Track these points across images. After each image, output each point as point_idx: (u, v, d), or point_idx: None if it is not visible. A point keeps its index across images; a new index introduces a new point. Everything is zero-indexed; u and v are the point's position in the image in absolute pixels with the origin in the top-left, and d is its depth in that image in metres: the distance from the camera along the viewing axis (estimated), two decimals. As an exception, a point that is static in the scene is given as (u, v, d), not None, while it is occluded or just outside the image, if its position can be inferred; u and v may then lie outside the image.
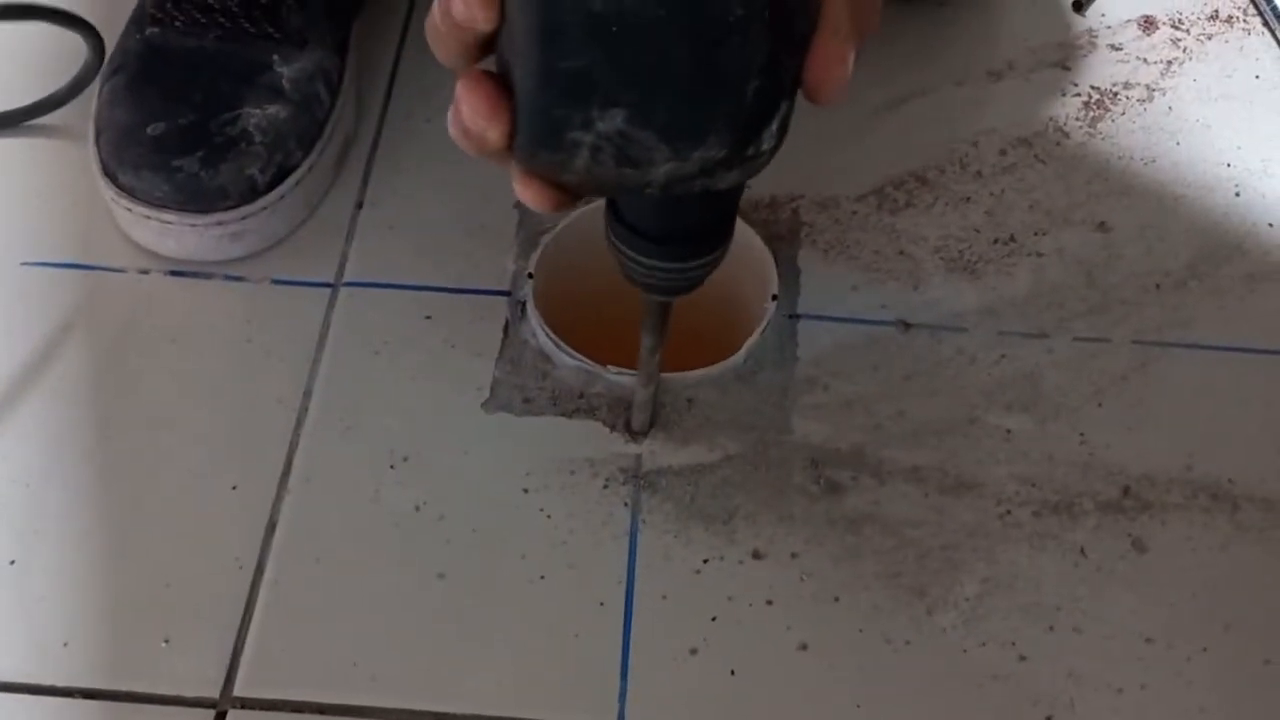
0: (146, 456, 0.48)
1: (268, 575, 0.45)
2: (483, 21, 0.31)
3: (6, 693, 0.42)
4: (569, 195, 0.35)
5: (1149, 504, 0.47)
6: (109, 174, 0.52)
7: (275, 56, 0.54)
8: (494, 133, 0.32)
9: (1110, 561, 0.46)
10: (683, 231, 0.37)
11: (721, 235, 0.38)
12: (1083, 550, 0.46)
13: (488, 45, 0.33)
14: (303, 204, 0.55)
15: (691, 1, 0.29)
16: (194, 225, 0.52)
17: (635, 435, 0.49)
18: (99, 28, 0.54)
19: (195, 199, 0.51)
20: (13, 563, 0.45)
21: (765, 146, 0.33)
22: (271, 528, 0.46)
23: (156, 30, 0.53)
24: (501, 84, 0.32)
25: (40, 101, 0.56)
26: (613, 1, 0.28)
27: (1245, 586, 0.46)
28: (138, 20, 0.55)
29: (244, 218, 0.52)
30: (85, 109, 0.55)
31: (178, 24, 0.53)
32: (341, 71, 0.57)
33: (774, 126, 0.32)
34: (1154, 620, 0.45)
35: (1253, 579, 0.46)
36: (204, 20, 0.53)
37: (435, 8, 0.32)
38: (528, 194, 0.35)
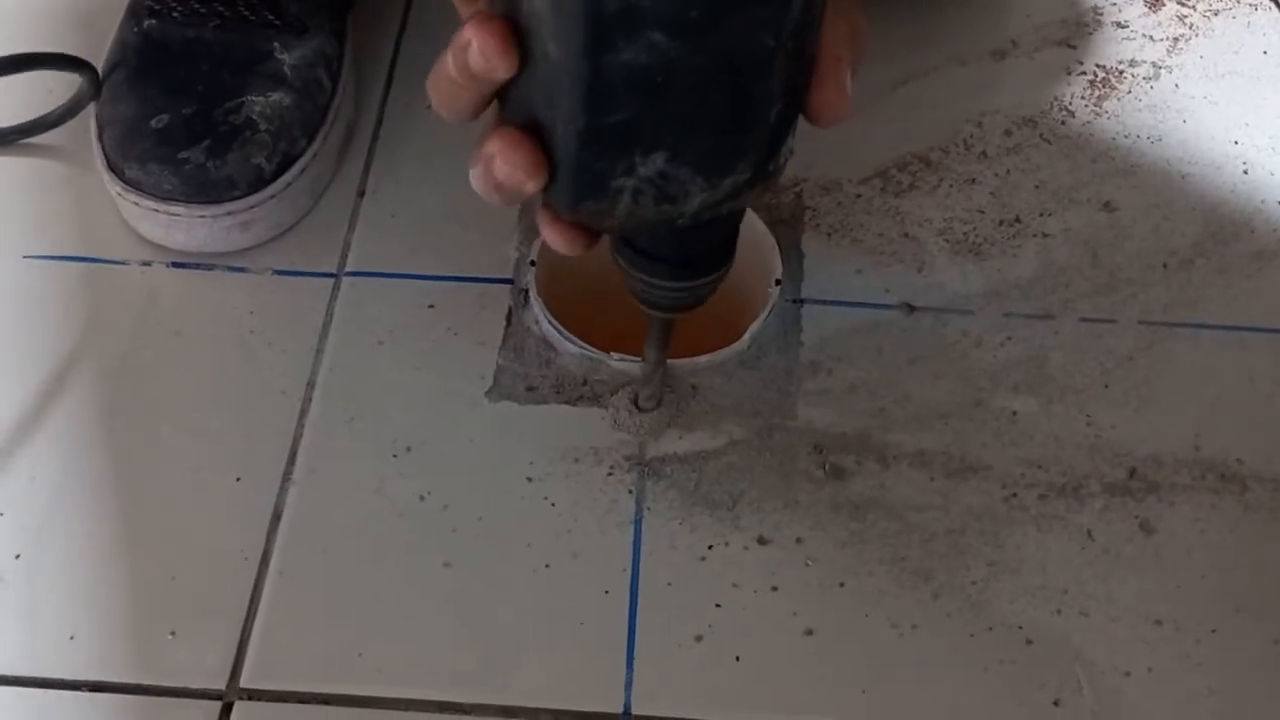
0: (150, 449, 0.48)
1: (273, 567, 0.45)
2: (503, 70, 0.31)
3: (13, 686, 0.43)
4: (594, 238, 0.36)
5: (1156, 485, 0.47)
6: (114, 169, 0.52)
7: (276, 44, 0.54)
8: (532, 189, 0.33)
9: (1117, 544, 0.46)
10: (694, 252, 0.38)
11: (729, 252, 0.39)
12: (1090, 533, 0.46)
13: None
14: (309, 192, 0.55)
15: (731, 43, 0.29)
16: (203, 217, 0.52)
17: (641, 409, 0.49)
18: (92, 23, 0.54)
19: (204, 190, 0.51)
20: (18, 556, 0.45)
21: (784, 160, 0.34)
22: (276, 519, 0.46)
23: (154, 22, 0.53)
24: (533, 138, 0.32)
25: (34, 121, 0.55)
26: (658, 54, 0.29)
27: (1254, 567, 0.45)
28: (134, 12, 0.54)
29: (253, 207, 0.52)
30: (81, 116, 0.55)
31: (175, 15, 0.53)
32: (342, 58, 0.57)
33: (790, 140, 0.34)
34: (1162, 602, 0.45)
35: (1262, 559, 0.46)
36: (203, 10, 0.53)
37: (446, 61, 0.32)
38: (560, 240, 0.35)
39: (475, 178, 0.33)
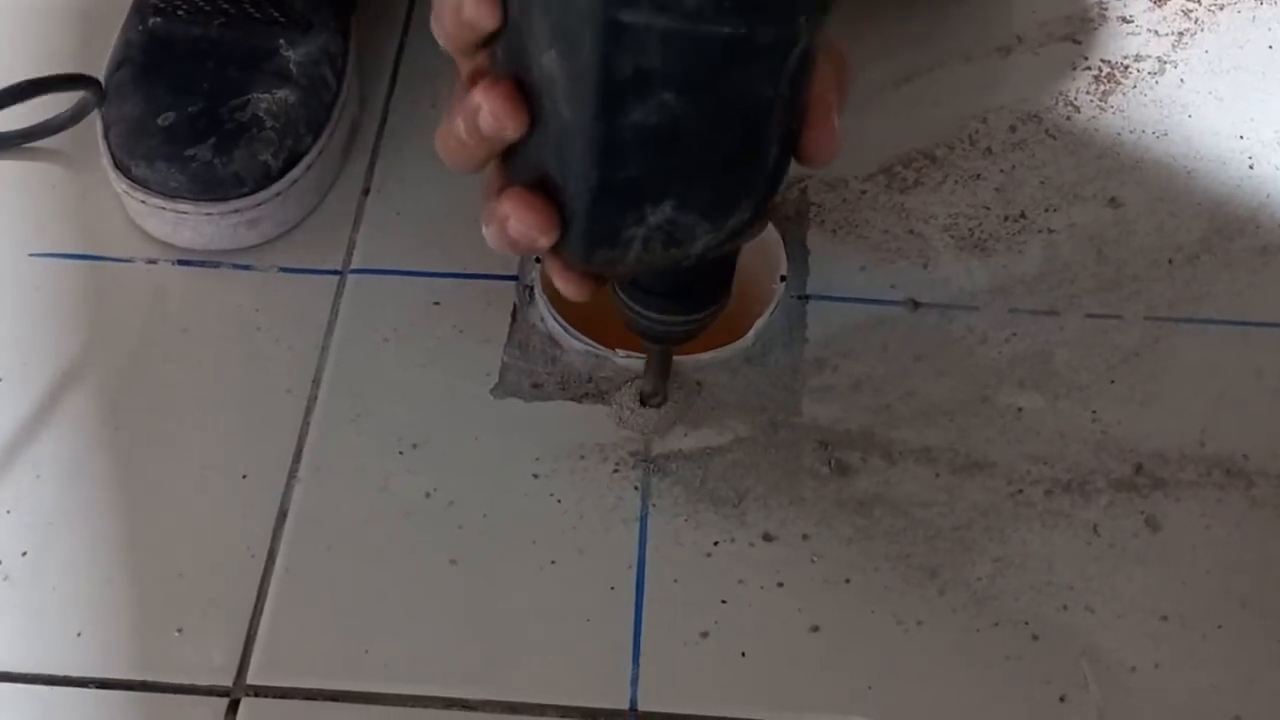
0: (157, 447, 0.48)
1: (279, 564, 0.45)
2: (513, 131, 0.32)
3: (21, 683, 0.43)
4: (602, 283, 0.38)
5: (1162, 481, 0.47)
6: (121, 167, 0.52)
7: (281, 41, 0.54)
8: (546, 241, 0.34)
9: (1123, 539, 0.46)
10: (694, 288, 0.40)
11: (727, 287, 0.40)
12: (1095, 529, 0.46)
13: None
14: (315, 189, 0.55)
15: (734, 96, 0.31)
16: (210, 214, 0.52)
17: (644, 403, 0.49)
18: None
19: (211, 187, 0.51)
20: (25, 554, 0.46)
21: (779, 197, 0.37)
22: (282, 516, 0.46)
23: (159, 20, 0.53)
24: (545, 195, 0.34)
25: (39, 126, 0.55)
26: (667, 112, 0.30)
27: (1261, 562, 0.45)
28: (139, 10, 0.54)
29: (259, 204, 0.52)
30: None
31: (181, 13, 0.53)
32: (346, 54, 0.57)
33: (785, 177, 0.35)
34: (1168, 598, 0.45)
35: (1268, 555, 0.46)
36: (207, 8, 0.53)
37: (455, 121, 0.33)
38: (572, 288, 0.37)
39: (490, 236, 0.35)
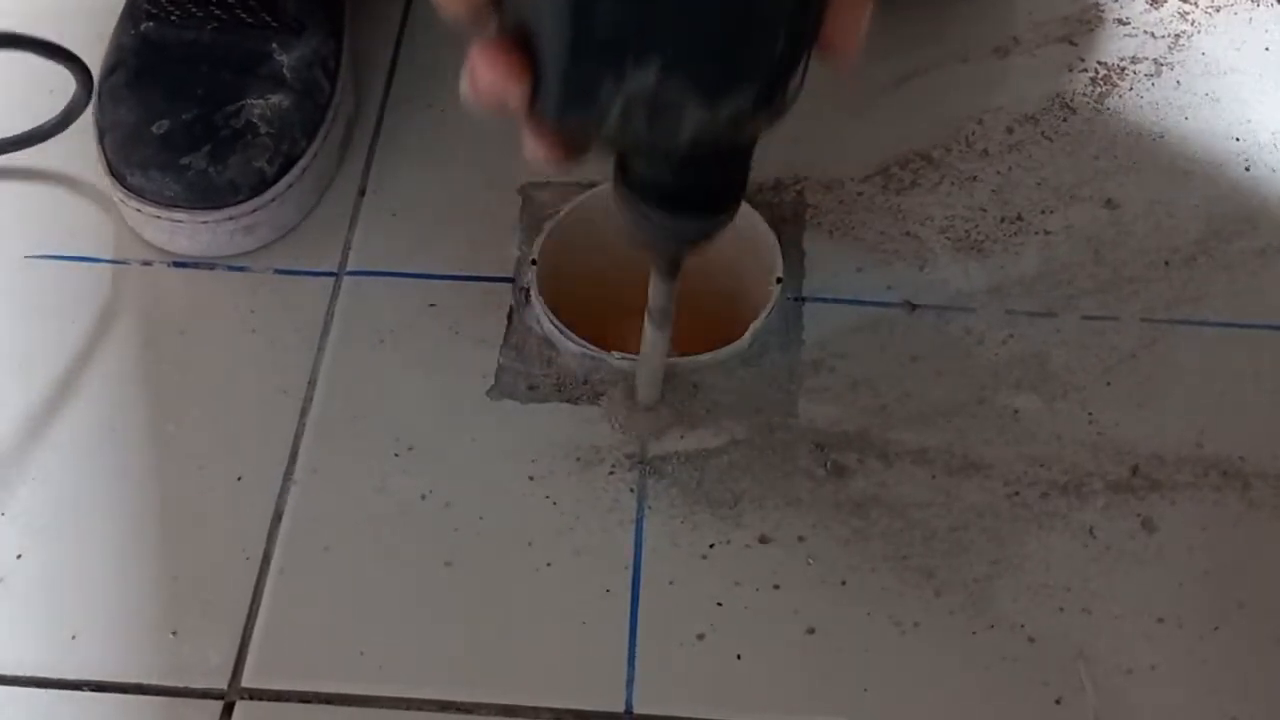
0: (152, 448, 0.48)
1: (274, 566, 0.45)
2: None
3: (16, 686, 0.43)
4: (578, 153, 0.34)
5: (1159, 483, 0.47)
6: (117, 175, 0.52)
7: (274, 45, 0.54)
8: (515, 96, 0.31)
9: (1120, 541, 0.46)
10: (697, 190, 0.36)
11: (734, 194, 0.37)
12: (1092, 530, 0.46)
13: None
14: (312, 191, 0.55)
15: None
16: (206, 222, 0.52)
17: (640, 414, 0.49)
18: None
19: (206, 196, 0.51)
20: (19, 556, 0.45)
21: (790, 95, 0.32)
22: (278, 518, 0.46)
23: (152, 25, 0.53)
24: (519, 44, 0.31)
25: (30, 132, 0.54)
26: None
27: (1258, 564, 0.45)
28: (131, 14, 0.54)
29: (255, 210, 0.52)
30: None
31: (174, 17, 0.53)
32: (339, 56, 0.56)
33: (799, 75, 0.31)
34: (1164, 600, 0.44)
35: (1266, 556, 0.45)
36: (200, 13, 0.53)
37: None
38: (540, 151, 0.33)
39: (462, 88, 0.32)
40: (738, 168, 0.36)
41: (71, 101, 0.53)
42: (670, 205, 0.36)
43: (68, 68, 0.51)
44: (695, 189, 0.36)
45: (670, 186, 0.36)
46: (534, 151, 0.34)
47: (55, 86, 0.53)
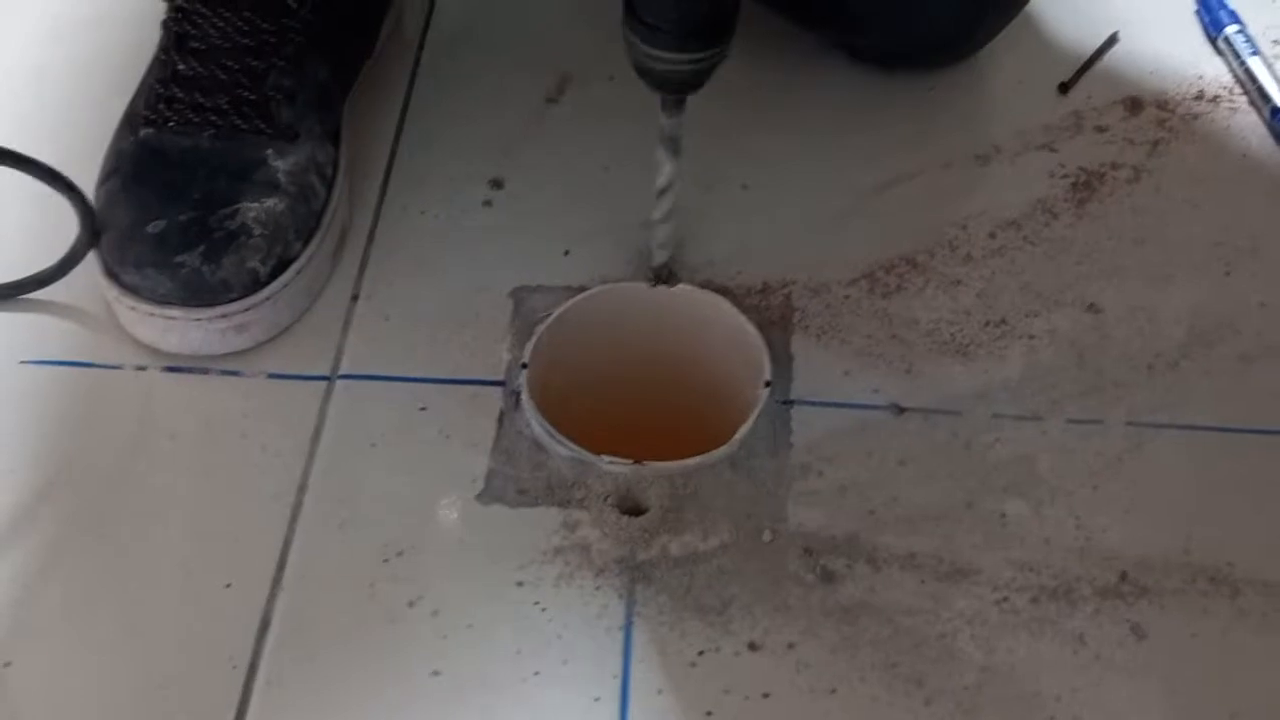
0: (141, 555, 0.48)
1: (261, 675, 0.45)
2: None
3: (-4, 800, 0.42)
4: None
5: (1147, 589, 0.47)
6: (111, 274, 0.53)
7: (269, 151, 0.55)
8: None
9: (1109, 649, 0.46)
10: (693, 19, 0.43)
11: (727, 27, 0.44)
12: (1081, 637, 0.46)
13: None
14: (304, 294, 0.55)
15: None
16: (198, 320, 0.52)
17: (658, 279, 0.54)
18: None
19: (199, 293, 0.52)
20: (8, 664, 0.45)
21: None
22: (265, 626, 0.46)
23: (151, 131, 0.54)
24: None
25: (27, 279, 0.54)
26: None
27: (1248, 673, 0.45)
28: (130, 122, 0.55)
29: (247, 309, 0.53)
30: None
31: (171, 124, 0.54)
32: (336, 161, 0.58)
33: None
34: (1155, 710, 0.44)
35: (1256, 665, 0.45)
36: (197, 119, 0.54)
37: None
38: None
39: None
40: (722, 6, 0.43)
41: (72, 247, 0.53)
42: (664, 41, 0.43)
43: (71, 201, 0.52)
44: (690, 21, 0.43)
45: (669, 22, 0.43)
46: None
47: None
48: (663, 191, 0.51)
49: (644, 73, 0.45)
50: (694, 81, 0.45)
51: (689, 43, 0.44)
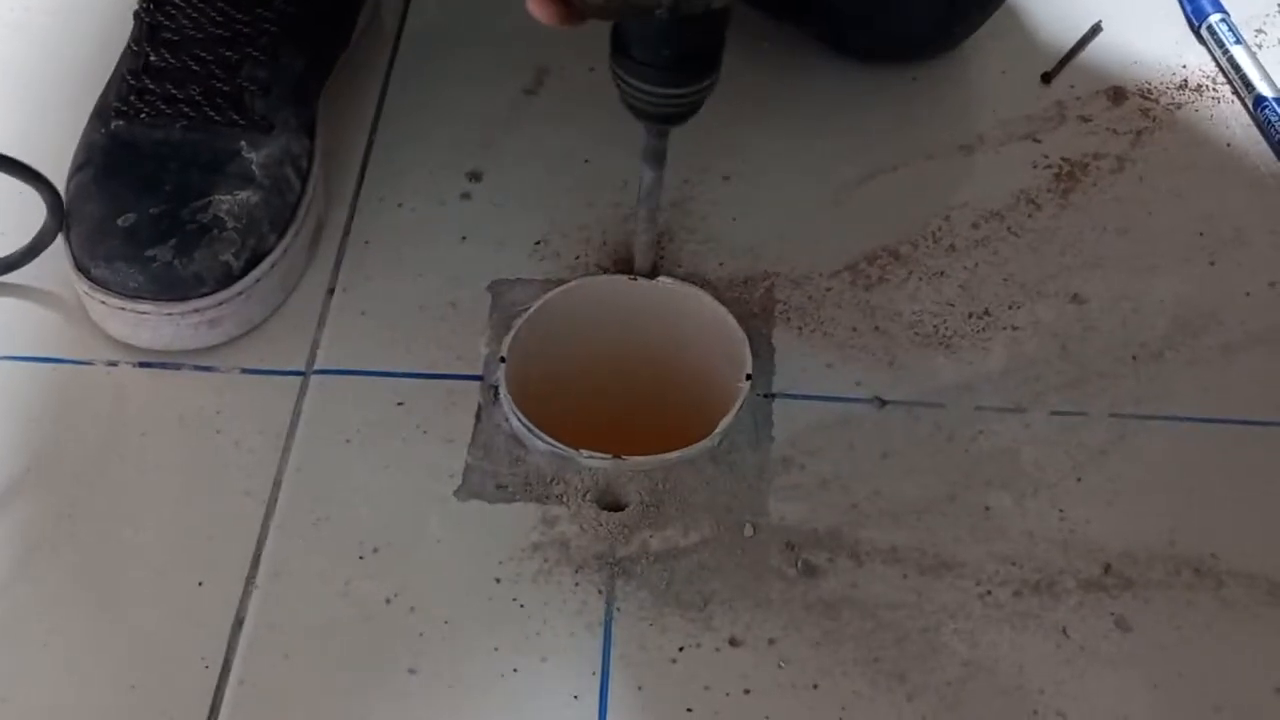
0: (112, 553, 0.47)
1: (234, 675, 0.44)
2: None
3: (-37, 804, 0.41)
4: (577, 18, 0.41)
5: (1131, 581, 0.47)
6: (81, 268, 0.52)
7: (243, 142, 0.54)
8: None
9: (1093, 641, 0.45)
10: (680, 56, 0.43)
11: (715, 61, 0.44)
12: (1065, 630, 0.45)
13: None
14: (279, 288, 0.54)
15: None
16: (170, 314, 0.51)
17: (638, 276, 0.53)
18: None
19: (170, 288, 0.51)
20: (-26, 666, 0.44)
21: None
22: (238, 624, 0.45)
23: (122, 123, 0.53)
24: None
25: None
26: None
27: (1232, 665, 0.45)
28: (101, 114, 0.55)
29: (220, 304, 0.52)
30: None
31: (143, 116, 0.53)
32: (311, 154, 0.57)
33: None
34: (1139, 702, 0.44)
35: (1240, 657, 0.45)
36: (169, 111, 0.53)
37: None
38: (542, 11, 0.40)
39: None
40: (713, 40, 0.43)
41: (39, 234, 0.52)
42: (652, 76, 0.43)
43: (37, 190, 0.51)
44: (674, 60, 0.43)
45: (653, 58, 0.42)
46: (536, 9, 0.40)
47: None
48: (645, 199, 0.50)
49: (634, 109, 0.45)
50: (684, 115, 0.45)
51: (678, 79, 0.43)
